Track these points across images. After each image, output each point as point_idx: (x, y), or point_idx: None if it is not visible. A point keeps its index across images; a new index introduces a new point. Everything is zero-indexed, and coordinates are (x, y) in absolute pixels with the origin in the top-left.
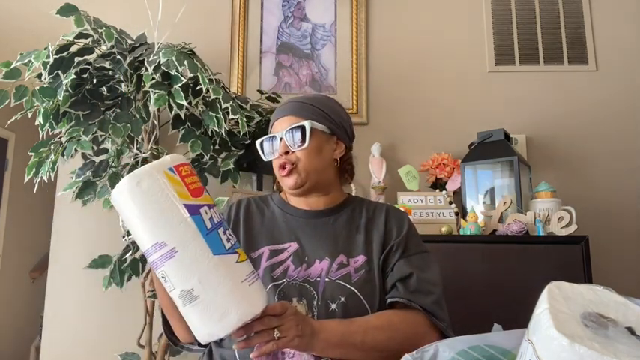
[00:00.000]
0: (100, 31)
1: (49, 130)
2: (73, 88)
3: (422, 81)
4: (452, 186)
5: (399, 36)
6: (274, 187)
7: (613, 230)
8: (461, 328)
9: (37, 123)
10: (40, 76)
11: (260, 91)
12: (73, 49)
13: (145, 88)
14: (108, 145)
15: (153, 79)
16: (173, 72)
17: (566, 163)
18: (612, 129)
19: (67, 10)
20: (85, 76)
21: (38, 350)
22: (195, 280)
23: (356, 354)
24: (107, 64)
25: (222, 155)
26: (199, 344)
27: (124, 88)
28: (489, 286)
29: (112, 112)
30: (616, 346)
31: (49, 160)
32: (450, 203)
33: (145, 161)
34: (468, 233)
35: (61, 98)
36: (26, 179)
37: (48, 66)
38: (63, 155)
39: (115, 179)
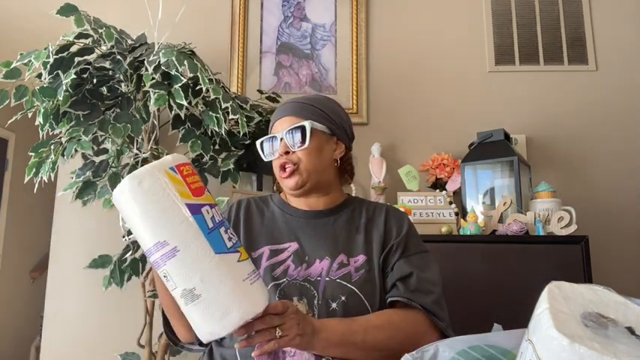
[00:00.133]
0: (100, 31)
1: (49, 130)
2: (73, 88)
3: (422, 81)
4: (452, 186)
5: (399, 36)
6: (274, 187)
7: (613, 230)
8: (461, 328)
9: (37, 123)
10: (40, 76)
11: (260, 91)
12: (73, 49)
13: (145, 88)
14: (108, 145)
15: (153, 79)
16: (173, 72)
17: (566, 163)
18: (612, 129)
19: (67, 10)
20: (85, 76)
21: (38, 350)
22: (197, 279)
23: (356, 353)
24: (107, 64)
25: (222, 155)
26: (200, 344)
27: (124, 88)
28: (489, 286)
29: (112, 112)
30: (616, 346)
31: (49, 160)
32: (450, 203)
33: (145, 161)
34: (468, 233)
35: (61, 98)
36: (26, 179)
37: (48, 66)
38: (63, 155)
39: (115, 179)
